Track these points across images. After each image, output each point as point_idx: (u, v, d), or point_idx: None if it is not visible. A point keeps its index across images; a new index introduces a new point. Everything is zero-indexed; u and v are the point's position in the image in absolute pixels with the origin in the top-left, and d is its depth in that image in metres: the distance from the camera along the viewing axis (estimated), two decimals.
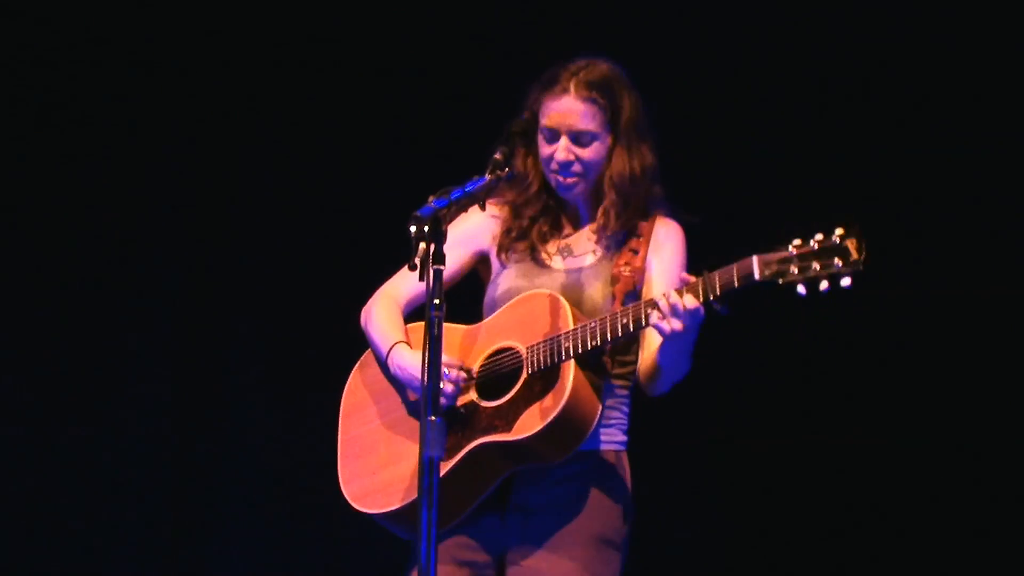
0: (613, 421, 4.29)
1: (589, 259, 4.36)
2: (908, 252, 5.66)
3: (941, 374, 5.88)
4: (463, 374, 4.22)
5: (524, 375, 4.18)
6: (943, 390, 5.88)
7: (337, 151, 6.35)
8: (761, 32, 5.98)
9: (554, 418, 4.08)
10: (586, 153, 4.29)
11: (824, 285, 3.79)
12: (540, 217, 4.39)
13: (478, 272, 4.51)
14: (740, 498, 6.09)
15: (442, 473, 3.78)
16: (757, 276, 3.85)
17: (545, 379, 4.15)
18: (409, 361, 4.29)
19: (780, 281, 3.83)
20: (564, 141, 4.29)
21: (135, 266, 6.37)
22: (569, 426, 4.11)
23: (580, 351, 4.10)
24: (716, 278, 3.91)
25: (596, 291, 4.29)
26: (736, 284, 3.87)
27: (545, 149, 4.32)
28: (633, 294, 4.26)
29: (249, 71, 6.38)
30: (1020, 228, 5.81)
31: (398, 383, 4.38)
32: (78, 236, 6.32)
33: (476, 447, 4.17)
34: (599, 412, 4.16)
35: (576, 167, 4.30)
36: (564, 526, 4.21)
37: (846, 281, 3.77)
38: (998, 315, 5.82)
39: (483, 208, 4.03)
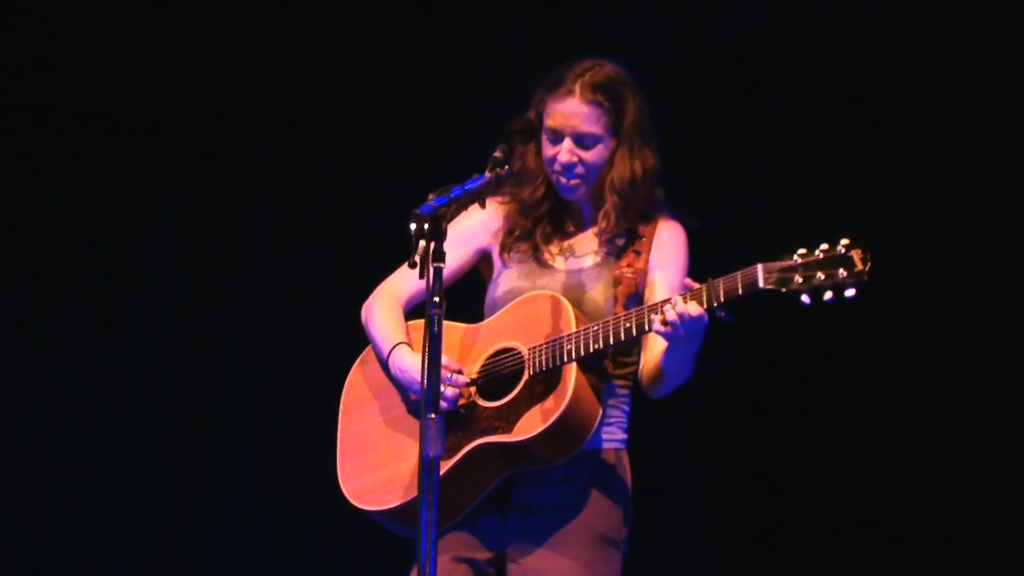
0: (613, 420, 4.28)
1: (591, 260, 4.35)
2: (912, 260, 5.67)
3: (941, 375, 5.88)
4: (463, 379, 4.20)
5: (525, 376, 4.17)
6: (943, 391, 5.88)
7: (337, 149, 6.34)
8: (769, 38, 5.97)
9: (555, 421, 4.07)
10: (589, 155, 4.28)
11: (828, 295, 3.80)
12: (545, 218, 4.38)
13: (479, 270, 4.50)
14: (740, 498, 6.09)
15: (441, 472, 3.78)
16: (761, 284, 3.85)
17: (546, 381, 4.14)
18: (410, 364, 4.28)
19: (784, 290, 3.83)
20: (568, 143, 4.28)
21: (135, 266, 6.36)
22: (570, 429, 4.11)
23: (582, 354, 4.10)
24: (720, 285, 3.91)
25: (598, 292, 4.28)
26: (740, 292, 3.88)
27: (548, 150, 4.31)
28: (635, 296, 4.26)
29: (249, 71, 6.37)
30: None
31: (398, 384, 4.37)
32: (78, 236, 6.32)
33: (476, 447, 4.17)
34: (599, 415, 4.16)
35: (579, 169, 4.29)
36: (565, 525, 4.21)
37: (850, 292, 3.78)
38: (999, 318, 5.82)
39: (483, 206, 4.00)
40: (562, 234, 4.40)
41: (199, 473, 6.37)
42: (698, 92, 5.94)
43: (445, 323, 3.75)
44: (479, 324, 4.35)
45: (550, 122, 4.28)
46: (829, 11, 5.90)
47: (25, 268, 6.30)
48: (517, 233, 4.38)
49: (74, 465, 6.27)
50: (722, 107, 5.98)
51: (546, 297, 4.24)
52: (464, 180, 3.92)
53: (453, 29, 6.24)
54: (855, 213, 5.66)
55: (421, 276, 3.71)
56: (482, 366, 4.26)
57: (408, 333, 4.38)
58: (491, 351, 4.26)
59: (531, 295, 4.28)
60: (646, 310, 4.03)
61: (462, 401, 4.21)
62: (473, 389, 4.23)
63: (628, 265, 4.27)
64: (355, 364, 4.48)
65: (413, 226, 3.73)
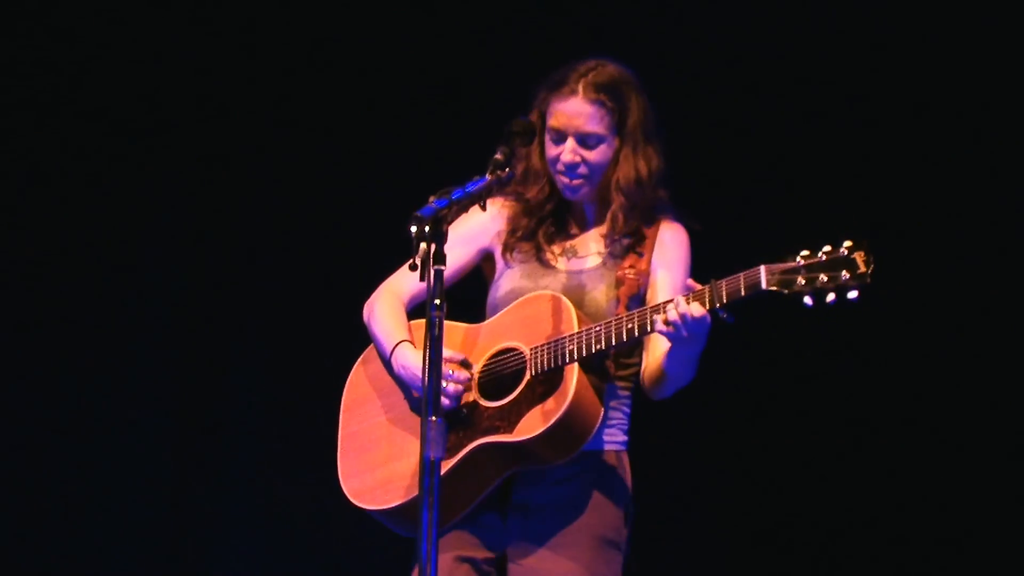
0: (614, 421, 4.28)
1: (593, 261, 4.35)
2: (914, 262, 5.67)
3: (942, 375, 5.88)
4: (467, 374, 4.21)
5: (527, 376, 4.17)
6: (944, 392, 5.88)
7: (338, 149, 6.34)
8: (772, 38, 5.96)
9: (556, 421, 4.07)
10: (592, 155, 4.28)
11: (831, 297, 3.81)
12: (548, 218, 4.38)
13: (481, 270, 4.50)
14: (740, 498, 6.09)
15: (442, 472, 3.76)
16: (764, 286, 3.85)
17: (548, 381, 4.14)
18: (413, 361, 4.28)
19: (786, 291, 3.84)
20: (571, 143, 4.28)
21: (135, 266, 6.36)
22: (571, 429, 4.11)
23: (584, 354, 4.10)
24: (723, 286, 3.91)
25: (600, 293, 4.28)
26: (743, 293, 3.88)
27: (551, 150, 4.31)
28: (637, 297, 4.26)
29: (250, 71, 6.37)
30: None
31: (401, 382, 4.37)
32: (78, 236, 6.31)
33: (477, 447, 4.17)
34: (601, 415, 4.16)
35: (582, 169, 4.29)
36: (566, 526, 4.21)
37: (853, 294, 3.79)
38: (1000, 319, 5.83)
39: (484, 208, 3.99)
40: (565, 235, 4.40)
41: (199, 473, 6.36)
42: (701, 93, 5.94)
43: (446, 323, 3.76)
44: (480, 324, 4.35)
45: (553, 122, 4.28)
46: (833, 11, 5.90)
47: (25, 268, 6.29)
48: (520, 233, 4.38)
49: (74, 465, 6.27)
50: (725, 108, 5.98)
51: (548, 297, 4.24)
52: (465, 182, 3.92)
53: (454, 29, 6.24)
54: (858, 215, 5.66)
55: (422, 279, 3.71)
56: (483, 366, 4.25)
57: (411, 332, 4.38)
58: (492, 351, 4.26)
59: (533, 295, 4.28)
60: (648, 311, 4.03)
61: (466, 397, 4.21)
62: (474, 386, 4.22)
63: (631, 266, 4.27)
64: (357, 363, 4.48)
65: (414, 228, 3.72)
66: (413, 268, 3.71)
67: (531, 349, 4.18)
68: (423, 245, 3.71)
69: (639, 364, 4.28)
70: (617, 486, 4.27)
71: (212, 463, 6.37)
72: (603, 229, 4.36)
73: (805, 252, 3.83)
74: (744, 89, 6.00)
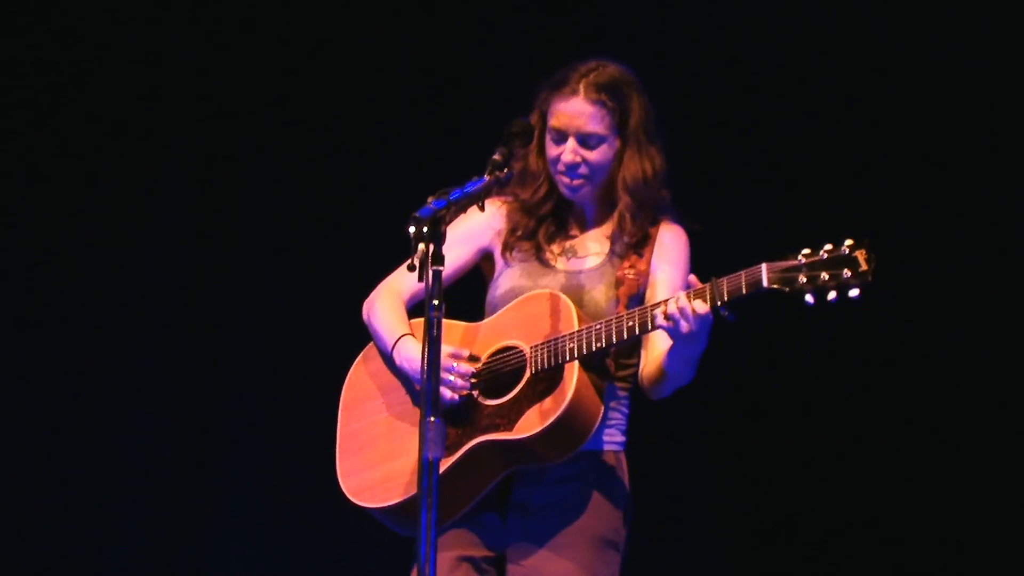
0: (613, 422, 4.29)
1: (593, 261, 4.35)
2: (915, 261, 5.68)
3: (942, 375, 5.88)
4: (470, 367, 4.21)
5: (527, 375, 4.17)
6: (944, 391, 5.89)
7: (338, 149, 6.34)
8: (774, 38, 5.97)
9: (556, 419, 4.07)
10: (593, 155, 4.29)
11: (832, 295, 3.81)
12: (548, 218, 4.38)
13: (480, 269, 4.50)
14: (738, 499, 6.09)
15: (442, 470, 3.77)
16: (765, 284, 3.86)
17: (548, 379, 4.14)
18: (415, 354, 4.28)
19: (788, 289, 3.84)
20: (571, 143, 4.28)
21: (135, 265, 6.36)
22: (571, 427, 4.11)
23: (584, 352, 4.10)
24: (724, 284, 3.92)
25: (599, 293, 4.28)
26: (744, 291, 3.89)
27: (552, 150, 4.32)
28: (636, 297, 4.27)
29: (250, 72, 6.37)
30: None
31: (402, 377, 4.37)
32: (78, 235, 6.31)
33: (476, 445, 4.17)
34: (601, 414, 4.16)
35: (583, 169, 4.30)
36: (565, 526, 4.22)
37: (855, 292, 3.79)
38: (1002, 319, 5.83)
39: (482, 209, 3.99)
40: (564, 235, 4.40)
41: (199, 473, 6.36)
42: (702, 92, 5.95)
43: (445, 321, 3.76)
44: (479, 323, 4.35)
45: (554, 122, 4.29)
46: (834, 11, 5.91)
47: (25, 268, 6.30)
48: (520, 232, 4.39)
49: (74, 465, 6.27)
50: (727, 107, 5.99)
51: (547, 296, 4.25)
52: (463, 182, 3.92)
53: (454, 30, 6.25)
54: (859, 214, 5.68)
55: (420, 279, 3.71)
56: (483, 364, 4.25)
57: (412, 328, 4.38)
58: (492, 349, 4.26)
59: (533, 294, 4.28)
60: (649, 308, 4.03)
61: (465, 392, 4.21)
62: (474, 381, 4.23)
63: (631, 266, 4.27)
64: (356, 361, 4.48)
65: (412, 229, 3.73)
66: (412, 268, 3.72)
67: (531, 347, 4.17)
68: (421, 246, 3.71)
69: (637, 366, 4.28)
70: (616, 487, 4.27)
71: (211, 463, 6.37)
72: (604, 229, 4.37)
73: (806, 250, 3.83)
74: (746, 88, 6.00)
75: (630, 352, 4.28)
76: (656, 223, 4.33)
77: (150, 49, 6.32)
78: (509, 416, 4.14)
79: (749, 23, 5.98)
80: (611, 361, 4.24)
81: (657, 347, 4.17)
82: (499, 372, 4.22)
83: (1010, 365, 5.83)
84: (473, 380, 4.21)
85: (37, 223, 6.30)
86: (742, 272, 3.89)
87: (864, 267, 3.77)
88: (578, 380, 4.09)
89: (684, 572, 6.11)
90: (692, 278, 4.00)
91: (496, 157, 4.02)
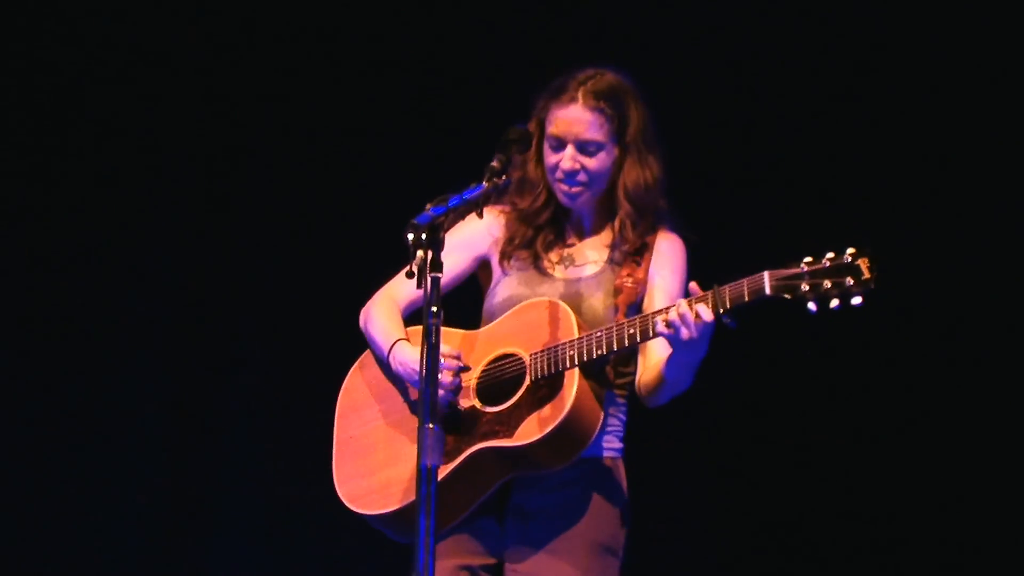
0: (611, 428, 4.28)
1: (591, 269, 4.35)
2: (917, 268, 5.68)
3: (943, 379, 5.89)
4: (460, 363, 4.20)
5: (527, 382, 4.16)
6: (945, 396, 5.89)
7: (337, 156, 6.35)
8: (775, 45, 5.99)
9: (556, 425, 4.07)
10: (592, 162, 4.28)
11: (835, 303, 3.82)
12: (546, 226, 4.38)
13: (477, 277, 4.50)
14: (735, 504, 6.09)
15: (441, 477, 3.76)
16: (768, 291, 3.86)
17: (548, 387, 4.14)
18: (411, 357, 4.27)
19: (790, 297, 3.85)
20: (570, 150, 4.28)
21: (135, 266, 6.36)
22: (571, 434, 4.11)
23: (585, 360, 4.11)
24: (726, 292, 3.92)
25: (598, 301, 4.28)
26: (746, 299, 3.89)
27: (551, 158, 4.31)
28: (635, 306, 4.27)
29: (250, 74, 6.38)
30: None
31: (399, 383, 4.37)
32: (78, 235, 6.32)
33: (476, 452, 4.16)
34: (601, 421, 4.16)
35: (581, 176, 4.30)
36: (564, 531, 4.22)
37: (857, 300, 3.80)
38: (1003, 326, 5.84)
39: (480, 216, 4.00)
40: (562, 243, 4.40)
41: (198, 474, 6.37)
42: (703, 100, 5.96)
43: (443, 329, 3.75)
44: (478, 330, 4.34)
45: (553, 129, 4.29)
46: (835, 17, 5.92)
47: (24, 268, 6.30)
48: (518, 241, 4.38)
49: (73, 465, 6.27)
50: (729, 115, 6.00)
51: (546, 304, 4.24)
52: (462, 189, 3.91)
53: (453, 36, 6.26)
54: (861, 222, 5.69)
55: (419, 286, 3.71)
56: (482, 371, 4.25)
57: (407, 334, 4.38)
58: (491, 356, 4.26)
59: (532, 302, 4.28)
60: (650, 316, 4.03)
61: (465, 403, 4.20)
62: (473, 387, 4.22)
63: (629, 275, 4.28)
64: (352, 368, 4.48)
65: (411, 236, 3.72)
66: (410, 275, 3.71)
67: (530, 355, 4.17)
68: (420, 253, 3.71)
69: (635, 372, 4.28)
70: (614, 492, 4.27)
71: (210, 464, 6.37)
72: (602, 237, 4.37)
73: (808, 258, 3.84)
74: (748, 96, 6.02)
75: (628, 359, 4.28)
76: (654, 232, 4.33)
77: (150, 49, 6.34)
78: (509, 423, 4.14)
79: (748, 29, 5.99)
80: (610, 368, 4.23)
81: (655, 354, 4.18)
82: (498, 379, 4.22)
83: (1011, 370, 5.84)
84: (462, 371, 4.20)
85: (37, 223, 6.30)
86: (744, 280, 3.89)
87: (867, 275, 3.78)
88: (578, 387, 4.08)
89: None
90: (693, 285, 3.99)
91: (494, 164, 4.01)
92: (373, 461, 4.32)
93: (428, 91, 6.29)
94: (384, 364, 4.37)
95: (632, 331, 4.04)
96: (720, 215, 5.71)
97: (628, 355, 4.25)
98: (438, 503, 3.59)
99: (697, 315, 3.91)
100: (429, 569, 3.56)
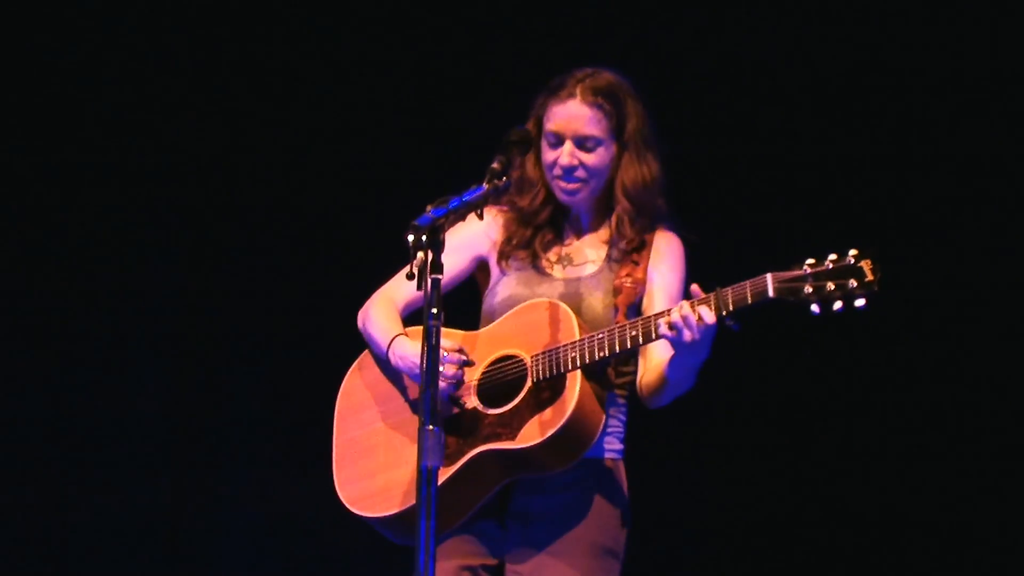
0: (612, 430, 4.28)
1: (590, 269, 4.34)
2: (920, 270, 5.70)
3: (941, 382, 5.90)
4: (458, 356, 4.19)
5: (529, 384, 4.15)
6: (945, 398, 5.90)
7: (338, 154, 6.35)
8: (777, 47, 5.99)
9: (559, 428, 4.06)
10: (590, 159, 4.28)
11: (838, 305, 3.81)
12: (544, 226, 4.38)
13: (475, 279, 4.49)
14: (736, 506, 6.09)
15: (442, 479, 3.79)
16: (771, 294, 3.86)
17: (550, 389, 4.13)
18: (410, 350, 4.27)
19: (793, 300, 3.84)
20: (568, 146, 4.27)
21: (134, 266, 6.37)
22: (573, 436, 4.10)
23: (587, 361, 4.10)
24: (729, 294, 3.91)
25: (597, 301, 4.27)
26: (749, 301, 3.88)
27: (549, 154, 4.31)
28: (635, 306, 4.26)
29: (250, 76, 6.38)
30: None
31: (398, 383, 4.36)
32: (78, 236, 6.32)
33: (478, 454, 4.15)
34: (603, 422, 4.16)
35: (579, 172, 4.29)
36: (565, 533, 4.21)
37: (860, 302, 3.79)
38: (1005, 328, 5.85)
39: (481, 218, 3.98)
40: (560, 243, 4.39)
41: (198, 475, 6.37)
42: (704, 101, 5.96)
43: (444, 330, 3.74)
44: (478, 331, 4.33)
45: (551, 125, 4.28)
46: (836, 19, 5.92)
47: (24, 268, 6.30)
48: (516, 241, 4.37)
49: (73, 465, 6.28)
50: (731, 116, 6.00)
51: (547, 305, 4.23)
52: (462, 191, 3.90)
53: (453, 39, 6.26)
54: (864, 223, 5.72)
55: (419, 288, 3.70)
56: (483, 373, 4.23)
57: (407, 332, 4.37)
58: (492, 358, 4.24)
59: (532, 303, 4.26)
60: (652, 318, 4.02)
61: (467, 404, 4.19)
62: (474, 385, 4.21)
63: (628, 274, 4.27)
64: (351, 369, 4.47)
65: (411, 237, 3.71)
66: (410, 277, 3.70)
67: (531, 356, 4.16)
68: (420, 254, 3.70)
69: (635, 372, 4.27)
70: (615, 494, 4.27)
71: (211, 465, 6.37)
72: (600, 235, 4.37)
73: (811, 260, 3.84)
74: (751, 98, 6.02)
75: (627, 360, 4.27)
76: (652, 230, 4.32)
77: (150, 49, 6.34)
78: (511, 425, 4.13)
79: (749, 31, 5.99)
80: (611, 369, 4.23)
81: (656, 356, 4.16)
82: (499, 381, 4.20)
83: (1012, 372, 5.84)
84: (465, 364, 4.19)
85: (37, 223, 6.31)
86: (747, 282, 3.89)
87: (870, 277, 3.78)
88: (580, 389, 4.08)
89: None
90: (695, 287, 3.98)
91: (495, 166, 4.00)
92: (374, 463, 4.31)
93: (428, 92, 6.29)
94: (383, 363, 4.36)
95: (634, 333, 4.03)
96: (721, 217, 5.71)
97: (628, 355, 4.23)
98: (439, 505, 3.58)
99: (699, 317, 3.91)
100: (430, 571, 3.55)
